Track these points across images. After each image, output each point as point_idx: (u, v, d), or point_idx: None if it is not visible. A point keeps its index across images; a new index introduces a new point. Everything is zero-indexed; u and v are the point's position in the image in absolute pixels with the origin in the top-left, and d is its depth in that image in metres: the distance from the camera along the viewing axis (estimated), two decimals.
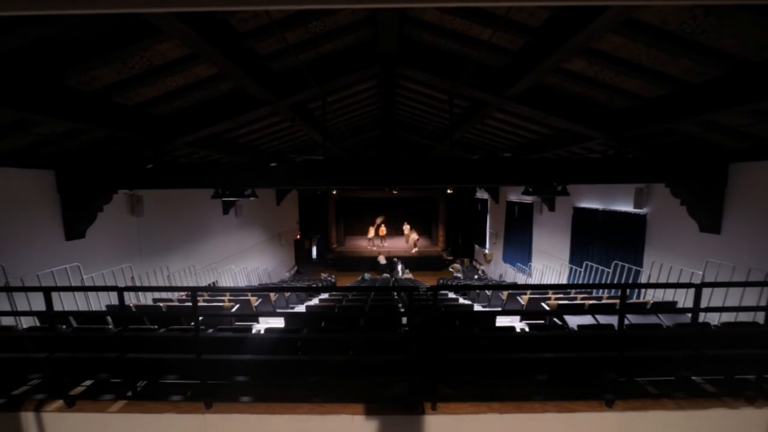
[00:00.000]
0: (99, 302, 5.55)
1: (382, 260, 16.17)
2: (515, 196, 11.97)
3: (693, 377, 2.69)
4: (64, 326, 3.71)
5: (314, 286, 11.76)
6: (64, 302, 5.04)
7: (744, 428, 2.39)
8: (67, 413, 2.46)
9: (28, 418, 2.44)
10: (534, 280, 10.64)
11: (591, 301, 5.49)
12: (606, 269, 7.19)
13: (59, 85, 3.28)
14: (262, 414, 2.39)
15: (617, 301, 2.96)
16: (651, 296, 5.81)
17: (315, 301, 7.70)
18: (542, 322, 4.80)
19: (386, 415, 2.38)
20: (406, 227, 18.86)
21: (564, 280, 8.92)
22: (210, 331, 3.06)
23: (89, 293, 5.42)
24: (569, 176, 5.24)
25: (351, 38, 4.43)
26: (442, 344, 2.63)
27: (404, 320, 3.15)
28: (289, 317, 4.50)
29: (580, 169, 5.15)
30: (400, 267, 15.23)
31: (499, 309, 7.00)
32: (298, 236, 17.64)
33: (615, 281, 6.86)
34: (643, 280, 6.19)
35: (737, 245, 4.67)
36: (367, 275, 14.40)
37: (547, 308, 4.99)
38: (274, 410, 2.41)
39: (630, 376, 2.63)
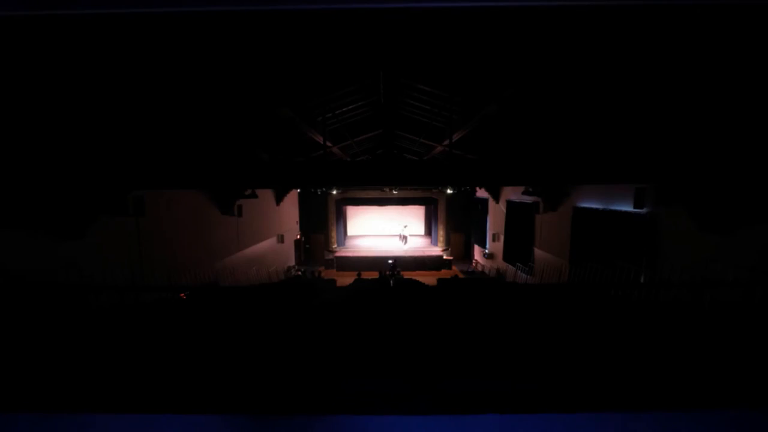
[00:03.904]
0: None
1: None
2: (515, 196, 11.97)
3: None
4: None
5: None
6: None
7: (746, 429, 2.38)
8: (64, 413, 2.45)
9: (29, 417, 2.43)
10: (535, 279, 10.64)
11: None
12: (607, 269, 7.18)
13: None
14: None
15: None
16: None
17: None
18: None
19: (385, 414, 2.38)
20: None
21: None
22: None
23: None
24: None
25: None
26: None
27: None
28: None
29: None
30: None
31: None
32: (298, 236, 17.64)
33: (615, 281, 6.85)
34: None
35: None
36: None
37: None
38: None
39: None
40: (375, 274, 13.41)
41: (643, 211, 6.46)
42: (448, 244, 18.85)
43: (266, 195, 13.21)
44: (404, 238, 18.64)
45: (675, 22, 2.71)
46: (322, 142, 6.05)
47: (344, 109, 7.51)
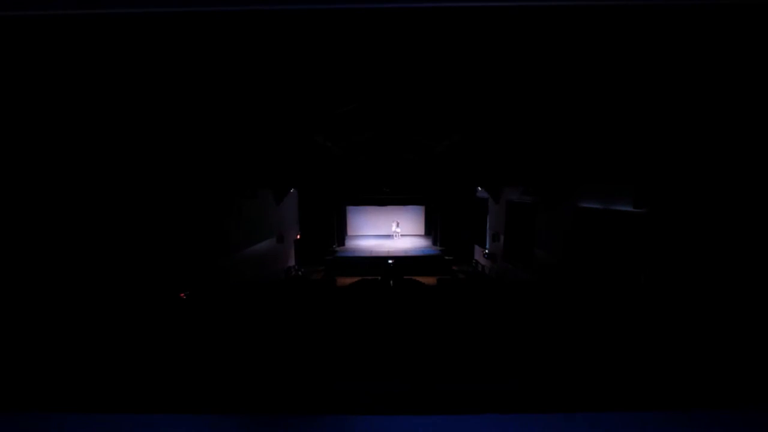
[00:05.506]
0: None
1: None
2: (515, 196, 11.97)
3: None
4: None
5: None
6: None
7: (749, 428, 2.37)
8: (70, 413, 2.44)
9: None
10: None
11: None
12: (607, 269, 7.18)
13: None
14: None
15: None
16: None
17: None
18: None
19: (386, 414, 2.37)
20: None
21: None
22: None
23: None
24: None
25: None
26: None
27: None
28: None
29: None
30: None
31: None
32: (298, 236, 17.64)
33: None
34: None
35: None
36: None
37: None
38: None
39: None
40: (376, 275, 13.45)
41: (643, 211, 6.45)
42: (448, 244, 18.83)
43: (266, 195, 13.19)
44: (397, 234, 20.22)
45: (672, 22, 2.71)
46: (321, 142, 6.06)
47: (343, 109, 7.50)
